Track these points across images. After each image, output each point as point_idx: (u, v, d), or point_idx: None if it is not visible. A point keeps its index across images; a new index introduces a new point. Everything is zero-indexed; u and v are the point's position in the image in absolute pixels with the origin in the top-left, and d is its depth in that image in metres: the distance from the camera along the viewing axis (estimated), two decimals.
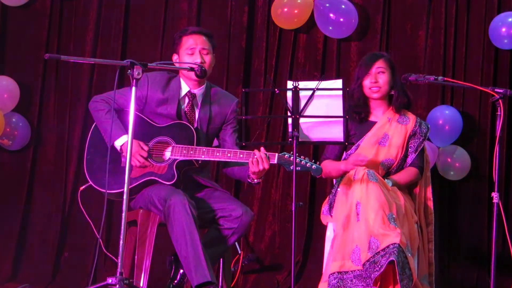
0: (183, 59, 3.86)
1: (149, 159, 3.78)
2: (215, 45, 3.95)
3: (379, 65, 4.08)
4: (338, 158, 4.14)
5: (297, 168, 3.55)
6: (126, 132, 3.74)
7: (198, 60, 3.81)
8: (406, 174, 4.07)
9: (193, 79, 3.85)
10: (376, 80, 4.06)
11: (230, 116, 3.96)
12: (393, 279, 3.70)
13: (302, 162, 3.62)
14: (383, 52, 4.27)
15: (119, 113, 3.84)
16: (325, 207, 4.08)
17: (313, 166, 3.64)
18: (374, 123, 4.11)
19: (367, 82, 4.08)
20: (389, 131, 4.08)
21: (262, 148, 3.68)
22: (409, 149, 4.09)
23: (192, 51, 3.85)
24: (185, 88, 3.90)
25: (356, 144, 4.07)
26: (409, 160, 4.09)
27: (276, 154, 3.66)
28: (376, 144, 4.06)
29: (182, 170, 3.78)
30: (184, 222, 3.55)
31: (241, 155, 3.69)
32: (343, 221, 3.81)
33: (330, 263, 3.79)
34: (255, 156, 3.63)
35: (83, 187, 3.85)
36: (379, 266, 3.63)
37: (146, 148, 3.77)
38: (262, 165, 3.64)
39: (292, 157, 3.53)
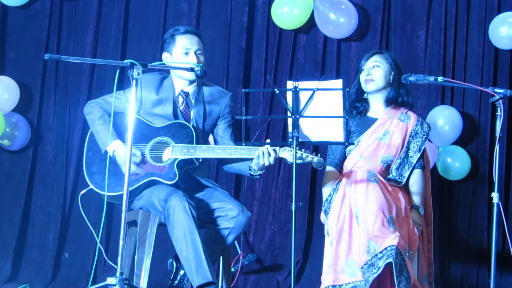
0: (176, 59, 3.85)
1: (147, 161, 3.77)
2: (205, 44, 3.97)
3: (375, 59, 4.11)
4: (344, 155, 4.13)
5: (298, 161, 3.55)
6: (117, 138, 3.75)
7: (195, 61, 3.81)
8: (419, 183, 4.06)
9: (187, 78, 3.85)
10: (369, 73, 4.08)
11: (225, 111, 3.97)
12: (390, 282, 3.70)
13: (303, 155, 3.63)
14: (385, 50, 4.27)
15: (115, 116, 3.82)
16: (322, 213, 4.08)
17: (314, 158, 3.65)
18: (374, 119, 4.12)
19: (362, 76, 4.11)
20: (390, 128, 4.08)
21: (267, 141, 3.70)
22: (413, 148, 4.09)
23: (188, 51, 3.85)
24: (178, 88, 3.90)
25: (356, 140, 4.08)
26: (414, 160, 4.08)
27: (278, 148, 3.67)
28: (376, 141, 4.06)
29: (183, 170, 3.78)
30: (184, 222, 3.55)
31: (242, 151, 3.70)
32: (337, 234, 3.80)
33: (325, 275, 3.80)
34: (257, 152, 3.66)
35: (84, 191, 3.85)
36: (377, 268, 3.62)
37: (138, 153, 3.76)
38: (267, 159, 3.66)
39: (292, 151, 3.53)
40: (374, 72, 4.08)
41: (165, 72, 3.98)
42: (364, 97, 4.16)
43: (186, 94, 3.91)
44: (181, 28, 3.93)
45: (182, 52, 3.85)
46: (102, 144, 3.78)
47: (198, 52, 3.87)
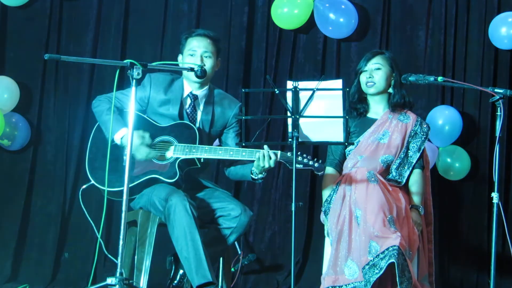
0: (185, 60, 3.86)
1: (153, 151, 3.77)
2: (220, 49, 3.96)
3: (376, 61, 4.09)
4: (343, 156, 4.13)
5: (299, 166, 3.55)
6: (126, 125, 3.75)
7: (198, 62, 3.81)
8: (418, 183, 4.06)
9: (194, 80, 3.85)
10: (371, 75, 4.07)
11: (233, 120, 3.98)
12: (391, 282, 3.69)
13: (304, 160, 3.63)
14: (385, 50, 4.26)
15: (121, 114, 3.85)
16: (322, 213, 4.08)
17: (315, 164, 3.65)
18: (374, 120, 4.11)
19: (363, 78, 4.10)
20: (389, 129, 4.07)
21: (265, 146, 3.69)
22: (412, 148, 4.08)
23: (194, 53, 3.86)
24: (187, 90, 3.91)
25: (356, 141, 4.08)
26: (414, 160, 4.07)
27: (279, 152, 3.67)
28: (376, 141, 4.05)
29: (184, 170, 3.78)
30: (184, 222, 3.56)
31: (244, 153, 3.70)
32: (337, 234, 3.80)
33: (325, 275, 3.80)
34: (258, 153, 3.65)
35: (85, 186, 3.85)
36: (379, 269, 3.62)
37: (146, 135, 3.75)
38: (267, 162, 3.66)
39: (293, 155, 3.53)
40: (376, 74, 4.07)
41: (177, 73, 3.99)
42: (363, 96, 4.15)
43: (195, 97, 3.91)
44: (196, 30, 3.96)
45: (189, 54, 3.86)
46: (109, 132, 3.76)
47: (205, 54, 3.87)
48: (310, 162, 3.64)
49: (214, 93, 3.97)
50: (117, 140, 3.76)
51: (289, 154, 3.65)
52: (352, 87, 4.13)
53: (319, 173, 3.71)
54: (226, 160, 3.84)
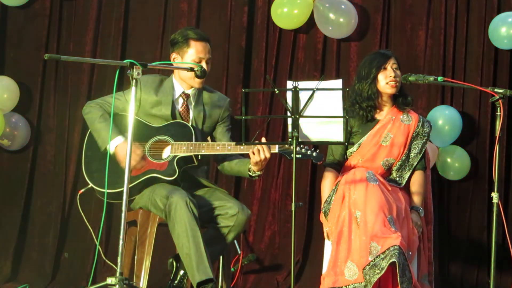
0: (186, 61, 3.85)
1: (147, 158, 3.77)
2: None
3: (394, 61, 4.06)
4: (343, 157, 4.12)
5: (298, 156, 3.54)
6: (120, 134, 3.75)
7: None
8: (419, 184, 4.06)
9: (194, 86, 3.85)
10: (396, 74, 4.04)
11: (224, 114, 3.99)
12: (392, 283, 3.69)
13: (303, 150, 3.62)
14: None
15: (115, 117, 3.82)
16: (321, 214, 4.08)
17: (313, 153, 3.64)
18: (377, 121, 4.10)
19: (382, 77, 4.03)
20: (392, 131, 4.06)
21: (263, 139, 3.70)
22: (414, 150, 4.08)
23: (200, 60, 3.85)
24: (178, 89, 3.91)
25: (358, 142, 4.07)
26: (415, 162, 4.07)
27: (276, 145, 3.67)
28: (378, 144, 4.04)
29: (181, 169, 3.78)
30: (186, 219, 3.56)
31: (241, 147, 3.70)
32: (336, 236, 3.80)
33: (325, 276, 3.80)
34: (256, 146, 3.65)
35: (83, 190, 3.84)
36: (380, 269, 3.61)
37: (139, 151, 3.74)
38: (263, 154, 3.65)
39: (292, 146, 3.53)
40: (397, 75, 4.05)
41: (164, 74, 3.98)
42: (378, 98, 4.10)
43: (187, 96, 3.91)
44: (195, 33, 3.88)
45: (195, 60, 3.83)
46: (102, 142, 3.77)
47: (208, 61, 3.88)
48: (309, 152, 3.64)
49: (203, 92, 3.97)
50: (111, 149, 3.75)
51: (287, 145, 3.65)
52: (365, 87, 4.02)
53: (318, 162, 3.70)
54: (219, 154, 3.83)
